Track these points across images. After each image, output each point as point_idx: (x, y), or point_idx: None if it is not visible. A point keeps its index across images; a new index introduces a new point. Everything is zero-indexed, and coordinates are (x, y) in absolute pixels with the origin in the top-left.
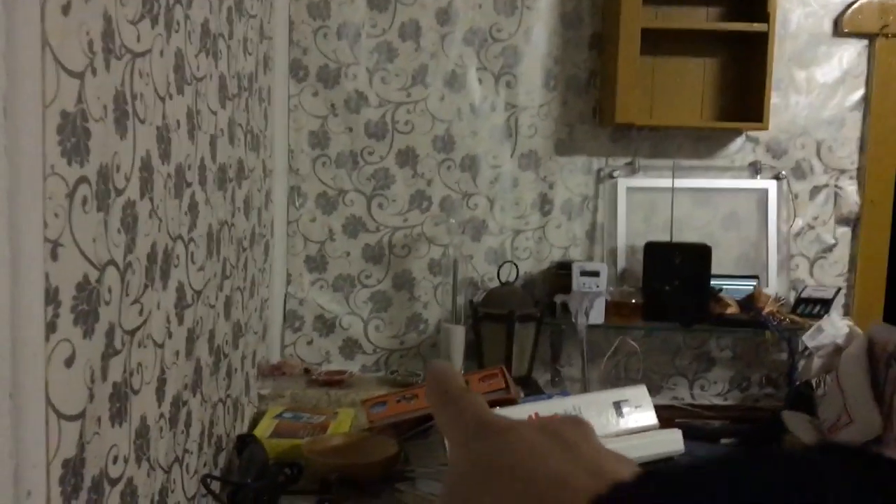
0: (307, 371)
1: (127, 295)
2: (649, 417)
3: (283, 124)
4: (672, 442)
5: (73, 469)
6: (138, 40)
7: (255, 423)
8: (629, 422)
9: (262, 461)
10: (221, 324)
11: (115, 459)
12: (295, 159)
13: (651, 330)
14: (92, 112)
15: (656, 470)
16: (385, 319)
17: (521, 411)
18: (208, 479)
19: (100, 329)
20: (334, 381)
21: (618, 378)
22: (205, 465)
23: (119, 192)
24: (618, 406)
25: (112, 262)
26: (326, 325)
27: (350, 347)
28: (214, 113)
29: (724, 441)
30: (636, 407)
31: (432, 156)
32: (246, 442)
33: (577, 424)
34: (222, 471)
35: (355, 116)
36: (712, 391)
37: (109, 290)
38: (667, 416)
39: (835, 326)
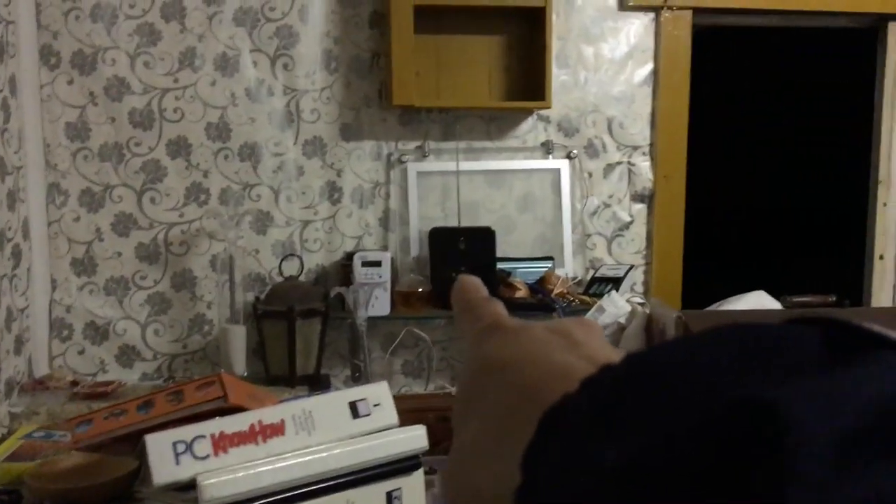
0: (75, 383)
1: None
2: (389, 416)
3: (35, 116)
4: (414, 440)
5: None
6: None
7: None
8: (366, 423)
9: None
10: None
11: None
12: (52, 154)
13: (452, 318)
14: None
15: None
16: (165, 322)
17: (243, 420)
18: None
19: None
20: (98, 394)
21: (421, 369)
22: None
23: None
24: (353, 406)
25: None
26: (99, 331)
27: (127, 355)
28: None
29: None
30: (375, 405)
31: (207, 145)
32: None
33: (585, 324)
34: None
35: (117, 105)
36: None
37: None
38: (410, 408)
39: (616, 305)
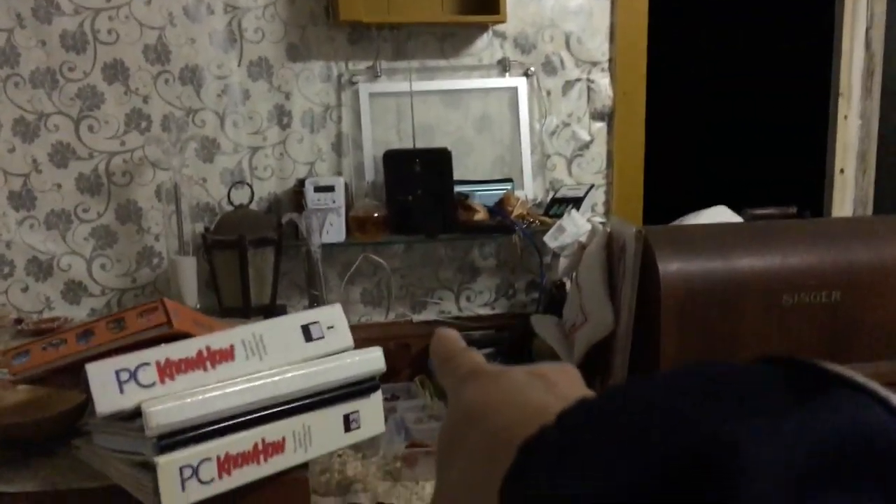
0: (19, 321)
1: None
2: (344, 338)
3: None
4: (370, 362)
5: None
6: None
7: None
8: (320, 346)
9: None
10: None
11: None
12: None
13: (410, 243)
14: None
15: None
16: (112, 256)
17: (190, 346)
18: None
19: None
20: (43, 330)
21: (380, 298)
22: None
23: None
24: (306, 330)
25: None
26: (42, 268)
27: (74, 291)
28: None
29: (485, 351)
30: (328, 328)
31: (145, 69)
32: None
33: (562, 368)
34: None
35: (47, 27)
36: (479, 301)
37: None
38: (370, 337)
39: (576, 224)
